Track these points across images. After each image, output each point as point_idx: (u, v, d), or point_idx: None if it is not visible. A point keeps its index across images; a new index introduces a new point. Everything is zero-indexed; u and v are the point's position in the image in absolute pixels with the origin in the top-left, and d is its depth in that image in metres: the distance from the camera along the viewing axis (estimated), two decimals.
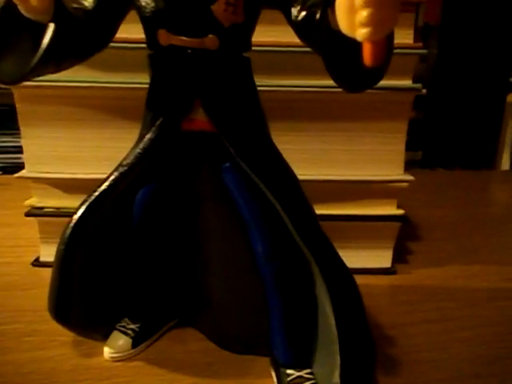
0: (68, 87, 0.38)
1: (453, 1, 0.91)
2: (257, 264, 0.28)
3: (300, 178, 0.27)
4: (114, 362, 0.30)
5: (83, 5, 0.25)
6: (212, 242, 0.30)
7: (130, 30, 0.29)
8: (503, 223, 0.61)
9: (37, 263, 0.44)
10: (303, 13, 0.23)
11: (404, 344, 0.33)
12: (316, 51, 0.23)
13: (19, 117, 0.40)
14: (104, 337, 0.31)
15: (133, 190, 0.29)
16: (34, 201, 0.42)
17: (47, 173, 0.41)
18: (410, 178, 0.41)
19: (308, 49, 0.24)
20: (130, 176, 0.27)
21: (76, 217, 0.27)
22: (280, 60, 0.38)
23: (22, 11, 0.21)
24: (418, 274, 0.44)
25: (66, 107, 0.39)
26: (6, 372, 0.29)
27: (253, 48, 0.27)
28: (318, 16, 0.21)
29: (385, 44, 0.18)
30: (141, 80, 0.35)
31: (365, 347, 0.25)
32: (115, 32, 0.27)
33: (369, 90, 0.22)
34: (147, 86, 0.27)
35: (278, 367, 0.28)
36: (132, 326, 0.32)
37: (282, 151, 0.28)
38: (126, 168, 0.27)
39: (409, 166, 0.43)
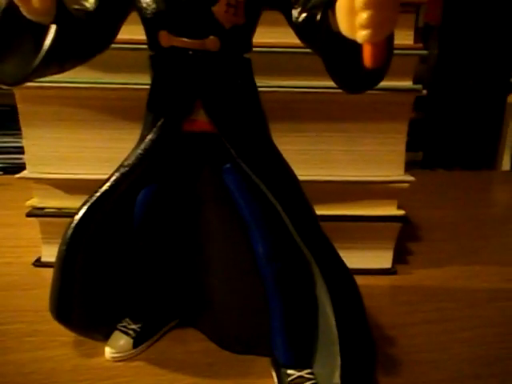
0: (69, 88, 0.38)
1: (453, 1, 0.91)
2: (257, 265, 0.28)
3: (300, 178, 0.28)
4: (115, 362, 0.30)
5: (85, 6, 0.25)
6: (213, 243, 0.30)
7: (132, 31, 0.29)
8: (504, 224, 0.61)
9: (38, 263, 0.44)
10: (304, 14, 0.23)
11: (404, 344, 0.33)
12: (316, 52, 0.23)
13: (20, 117, 0.40)
14: (105, 337, 0.31)
15: (134, 190, 0.29)
16: (35, 201, 0.42)
17: (48, 173, 0.41)
18: (411, 178, 0.41)
19: (308, 50, 0.24)
20: (132, 177, 0.27)
21: (77, 217, 0.27)
22: (281, 61, 0.38)
23: (24, 13, 0.21)
24: (418, 275, 0.44)
25: (68, 108, 0.40)
26: (7, 372, 0.29)
27: (253, 49, 0.27)
28: (318, 18, 0.21)
29: (385, 45, 0.18)
30: (142, 81, 0.35)
31: (365, 347, 0.25)
32: (117, 33, 0.27)
33: (369, 91, 0.22)
34: (148, 86, 0.27)
35: (279, 367, 0.29)
36: (133, 326, 0.32)
37: (282, 152, 0.28)
38: (127, 169, 0.27)
39: (409, 167, 0.43)
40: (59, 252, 0.28)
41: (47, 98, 0.39)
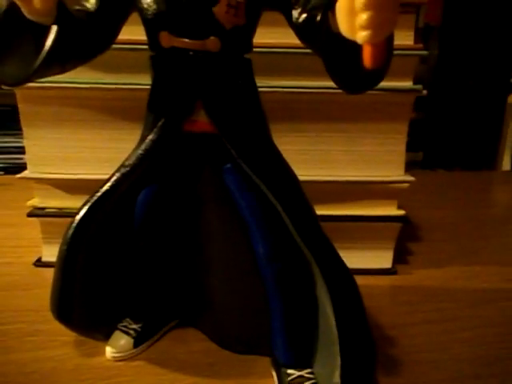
0: (70, 88, 0.38)
1: (454, 2, 0.91)
2: (258, 265, 0.28)
3: (301, 178, 0.28)
4: (116, 362, 0.31)
5: (86, 7, 0.25)
6: (213, 243, 0.30)
7: (133, 32, 0.29)
8: (504, 224, 0.61)
9: (39, 263, 0.44)
10: (304, 15, 0.24)
11: (404, 344, 0.33)
12: (316, 53, 0.23)
13: (21, 117, 0.40)
14: (106, 337, 0.31)
15: (135, 190, 0.29)
16: (36, 201, 0.42)
17: (49, 173, 0.41)
18: (411, 178, 0.41)
19: (308, 50, 0.24)
20: (132, 177, 0.28)
21: (78, 217, 0.27)
22: (281, 61, 0.38)
23: (25, 13, 0.22)
24: (418, 275, 0.44)
25: (69, 108, 0.40)
26: (8, 371, 0.29)
27: (254, 49, 0.27)
28: (318, 18, 0.22)
29: (385, 46, 0.18)
30: (143, 81, 0.35)
31: (365, 347, 0.25)
32: (117, 34, 0.28)
33: (369, 91, 0.22)
34: (149, 87, 0.27)
35: (279, 367, 0.29)
36: (134, 326, 0.32)
37: (282, 152, 0.28)
38: (127, 169, 0.27)
39: (409, 167, 0.43)
40: (60, 252, 0.28)
41: (48, 98, 0.39)
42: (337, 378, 0.24)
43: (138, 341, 0.31)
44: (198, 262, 0.31)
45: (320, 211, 0.28)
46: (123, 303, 0.32)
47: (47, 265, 0.43)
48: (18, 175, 0.41)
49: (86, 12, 0.25)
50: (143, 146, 0.27)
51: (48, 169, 0.41)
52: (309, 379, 0.28)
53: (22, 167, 0.42)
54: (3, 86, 0.24)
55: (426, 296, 0.40)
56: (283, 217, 0.26)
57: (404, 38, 0.39)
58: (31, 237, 0.46)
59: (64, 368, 0.30)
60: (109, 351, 0.31)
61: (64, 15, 0.23)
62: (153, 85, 0.27)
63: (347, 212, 0.42)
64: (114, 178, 0.27)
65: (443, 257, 0.48)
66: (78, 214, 0.27)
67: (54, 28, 0.22)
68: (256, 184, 0.26)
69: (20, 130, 0.41)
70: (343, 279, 0.26)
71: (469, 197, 0.72)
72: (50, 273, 0.28)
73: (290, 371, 0.28)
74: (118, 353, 0.31)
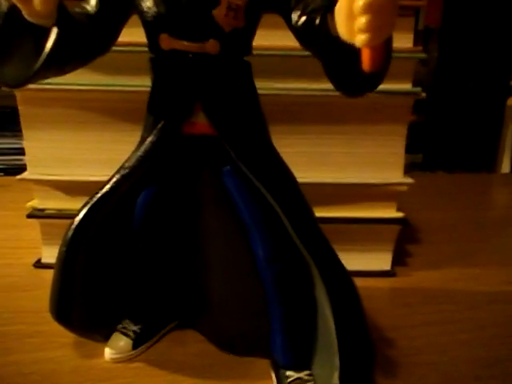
0: (70, 90, 0.38)
1: (453, 4, 0.91)
2: (257, 267, 0.28)
3: (300, 180, 0.28)
4: (115, 363, 0.31)
5: (86, 9, 0.25)
6: (213, 245, 0.30)
7: (133, 34, 0.29)
8: (503, 226, 0.61)
9: (38, 265, 0.44)
10: (303, 18, 0.24)
11: (403, 346, 0.33)
12: (316, 56, 0.23)
13: (22, 119, 0.40)
14: (105, 338, 0.31)
15: (134, 192, 0.29)
16: (35, 202, 0.42)
17: (49, 175, 0.41)
18: (410, 180, 0.41)
19: (308, 53, 0.24)
20: (132, 179, 0.28)
21: (78, 219, 0.27)
22: (280, 64, 0.38)
23: (26, 15, 0.22)
24: (417, 277, 0.44)
25: (68, 110, 0.40)
26: (7, 373, 0.29)
27: (253, 52, 0.27)
28: (317, 21, 0.22)
29: (383, 49, 0.18)
30: (142, 83, 0.35)
31: (364, 349, 0.26)
32: (117, 36, 0.28)
33: (369, 94, 0.22)
34: (149, 89, 0.27)
35: (278, 369, 0.29)
36: (133, 328, 0.32)
37: (282, 154, 0.28)
38: (127, 171, 0.27)
39: (409, 169, 0.43)
40: (59, 253, 0.28)
41: (48, 100, 0.39)
42: (336, 379, 0.24)
43: (137, 342, 0.31)
44: (197, 264, 0.31)
45: (319, 213, 0.28)
46: (122, 305, 0.32)
47: (47, 266, 0.43)
48: (18, 176, 0.42)
49: (87, 14, 0.25)
50: (143, 148, 0.27)
51: (48, 170, 0.41)
52: (308, 381, 0.28)
53: (22, 168, 0.42)
54: (3, 88, 0.24)
55: (425, 298, 0.40)
56: (282, 219, 0.26)
57: (403, 41, 0.39)
58: (31, 238, 0.46)
59: (63, 369, 0.30)
60: (108, 352, 0.31)
61: (64, 17, 0.23)
62: (152, 87, 0.27)
63: (346, 214, 0.42)
64: (114, 179, 0.28)
65: (442, 259, 0.48)
66: (77, 215, 0.28)
67: (55, 30, 0.22)
68: (255, 186, 0.26)
69: (20, 131, 0.41)
70: (342, 281, 0.26)
71: (468, 199, 0.72)
72: (49, 274, 0.29)
73: (288, 373, 0.28)
74: (117, 354, 0.31)
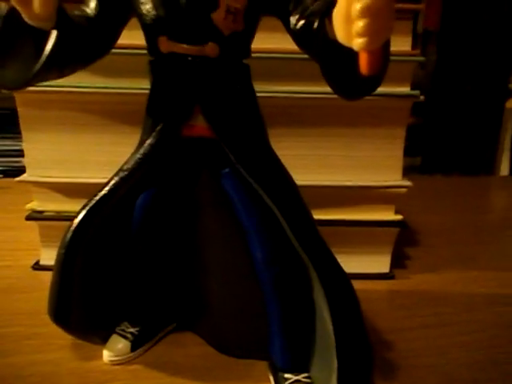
0: (69, 92, 0.38)
1: (452, 7, 0.92)
2: (255, 269, 0.28)
3: (298, 183, 0.28)
4: (113, 366, 0.31)
5: (85, 12, 0.26)
6: (211, 247, 0.30)
7: (132, 37, 0.29)
8: (501, 229, 0.61)
9: (37, 266, 0.44)
10: (302, 21, 0.24)
11: (402, 349, 0.33)
12: (314, 59, 0.23)
13: (21, 121, 0.40)
14: (103, 340, 0.31)
15: (133, 194, 0.29)
16: (34, 204, 0.42)
17: (48, 177, 0.41)
18: (408, 183, 0.42)
19: (306, 56, 0.24)
20: (131, 181, 0.28)
21: (76, 221, 0.27)
22: (279, 67, 0.38)
23: (26, 18, 0.22)
24: (416, 279, 0.44)
25: (68, 112, 0.40)
26: (6, 375, 0.29)
27: (252, 55, 0.27)
28: (315, 25, 0.22)
29: (381, 53, 0.18)
30: (142, 86, 0.35)
31: (362, 352, 0.26)
32: (117, 39, 0.28)
33: (367, 97, 0.22)
34: (148, 91, 0.28)
35: (276, 371, 0.29)
36: (131, 330, 0.32)
37: (280, 157, 0.28)
38: (126, 173, 0.27)
39: (408, 172, 0.43)
40: (58, 255, 0.28)
41: (47, 102, 0.39)
42: (334, 381, 0.24)
43: (135, 344, 0.31)
44: (196, 266, 0.31)
45: (318, 216, 0.28)
46: (121, 307, 0.32)
47: (45, 268, 0.43)
48: (17, 178, 0.42)
49: (86, 17, 0.25)
50: (142, 150, 0.27)
51: (47, 172, 0.41)
52: (306, 383, 0.28)
53: (21, 170, 0.42)
54: (3, 90, 0.24)
55: (424, 300, 0.40)
56: (281, 221, 0.26)
57: (401, 44, 0.39)
58: (29, 240, 0.46)
59: (61, 371, 0.30)
60: (106, 355, 0.31)
61: (64, 20, 0.23)
62: (151, 89, 0.27)
63: (345, 217, 0.42)
64: (113, 181, 0.28)
65: (441, 261, 0.48)
66: (76, 217, 0.28)
67: (54, 33, 0.22)
68: (254, 189, 0.26)
69: (19, 133, 0.41)
70: (340, 283, 0.26)
71: (467, 202, 0.72)
72: (48, 276, 0.29)
73: (287, 375, 0.28)
74: (115, 356, 0.31)
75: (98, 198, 0.28)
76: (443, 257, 0.50)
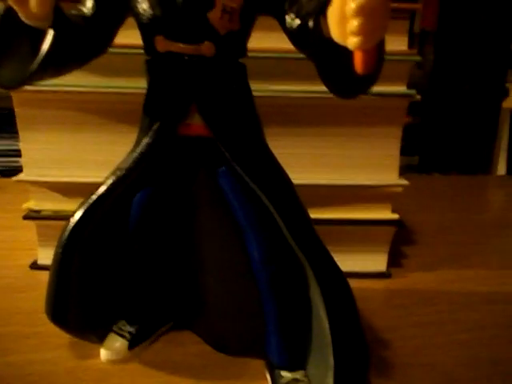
0: (66, 92, 0.38)
1: (449, 7, 0.92)
2: (252, 268, 0.28)
3: (295, 182, 0.28)
4: (111, 364, 0.31)
5: (82, 11, 0.26)
6: (208, 246, 0.30)
7: (128, 36, 0.29)
8: (499, 228, 0.61)
9: (34, 266, 0.44)
10: (297, 21, 0.24)
11: (398, 347, 0.33)
12: (309, 58, 0.23)
13: (18, 121, 0.40)
14: (101, 339, 0.31)
15: (130, 193, 0.29)
16: (31, 204, 0.42)
17: (45, 176, 0.41)
18: (405, 182, 0.42)
19: (302, 55, 0.25)
20: (128, 180, 0.28)
21: (74, 220, 0.28)
22: (275, 66, 0.38)
23: (22, 18, 0.22)
24: (412, 278, 0.44)
25: (65, 111, 0.40)
26: (4, 374, 0.29)
27: (248, 54, 0.27)
28: (311, 24, 0.22)
29: (375, 52, 0.18)
30: (138, 85, 0.35)
31: (358, 350, 0.26)
32: (113, 38, 0.28)
33: (363, 96, 0.22)
34: (145, 91, 0.28)
35: (273, 369, 0.29)
36: (128, 329, 0.32)
37: (276, 156, 0.28)
38: (123, 172, 0.27)
39: (405, 171, 0.43)
40: (55, 255, 0.28)
41: (44, 101, 0.39)
42: (330, 379, 0.25)
43: (132, 343, 0.31)
44: (193, 265, 0.31)
45: (314, 215, 0.28)
46: (118, 306, 0.32)
47: (43, 267, 0.43)
48: (14, 178, 0.42)
49: (83, 16, 0.25)
50: (138, 149, 0.27)
51: (44, 172, 0.41)
52: (302, 381, 0.28)
53: (18, 170, 0.42)
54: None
55: (421, 299, 0.40)
56: (277, 220, 0.26)
57: (398, 44, 0.39)
58: (27, 239, 0.46)
59: (59, 370, 0.30)
60: (103, 353, 0.31)
61: (60, 19, 0.23)
62: (148, 89, 0.27)
63: (341, 215, 0.42)
64: (110, 181, 0.28)
65: (438, 260, 0.48)
66: (73, 216, 0.28)
67: (51, 32, 0.22)
68: (250, 187, 0.26)
69: (16, 132, 0.41)
70: (336, 282, 0.26)
71: (464, 201, 0.72)
72: (45, 275, 0.29)
73: (283, 373, 0.28)
74: (112, 355, 0.31)
75: (95, 197, 0.28)
76: (440, 255, 0.50)
